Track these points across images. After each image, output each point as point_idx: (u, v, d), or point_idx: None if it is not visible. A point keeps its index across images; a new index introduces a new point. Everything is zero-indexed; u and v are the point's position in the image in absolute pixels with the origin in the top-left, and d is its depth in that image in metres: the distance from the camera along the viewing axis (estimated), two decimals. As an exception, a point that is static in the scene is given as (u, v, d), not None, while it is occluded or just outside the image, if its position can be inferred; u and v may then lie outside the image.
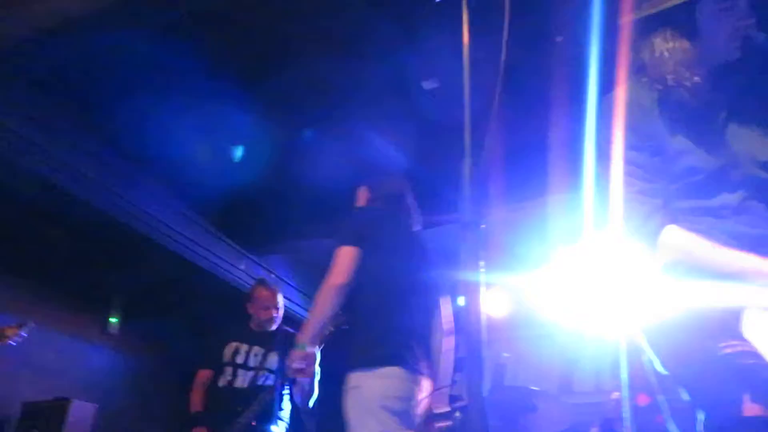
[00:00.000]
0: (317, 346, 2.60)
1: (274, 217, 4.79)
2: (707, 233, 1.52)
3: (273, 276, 5.53)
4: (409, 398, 2.32)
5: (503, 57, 1.23)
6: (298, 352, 2.43)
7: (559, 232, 4.00)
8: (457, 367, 6.17)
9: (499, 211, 4.23)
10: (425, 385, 2.44)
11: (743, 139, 1.59)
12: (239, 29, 3.27)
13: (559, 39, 3.49)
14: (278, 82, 3.57)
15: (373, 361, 2.31)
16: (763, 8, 1.61)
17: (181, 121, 3.71)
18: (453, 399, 4.98)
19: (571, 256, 4.42)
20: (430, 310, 2.62)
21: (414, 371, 2.36)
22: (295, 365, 2.44)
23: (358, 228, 2.56)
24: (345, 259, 2.43)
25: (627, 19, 1.63)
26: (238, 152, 4.07)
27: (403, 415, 2.28)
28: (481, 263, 1.09)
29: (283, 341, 3.54)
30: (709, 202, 1.56)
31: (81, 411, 4.28)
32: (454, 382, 6.18)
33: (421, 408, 2.40)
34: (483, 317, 1.02)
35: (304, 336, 2.43)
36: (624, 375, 2.66)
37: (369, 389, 2.27)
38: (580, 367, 5.45)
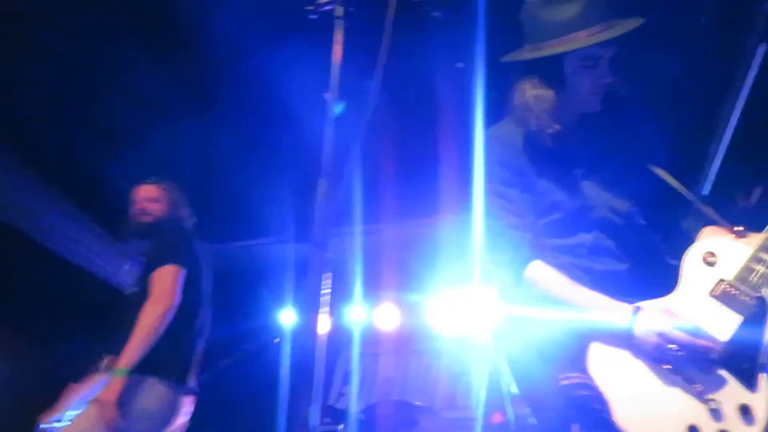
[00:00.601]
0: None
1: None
2: (566, 269, 1.64)
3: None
4: (173, 412, 2.41)
5: (377, 81, 1.25)
6: (118, 380, 2.27)
7: (450, 251, 4.11)
8: (345, 380, 6.15)
9: (393, 227, 4.29)
10: (188, 403, 2.53)
11: (600, 188, 1.73)
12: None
13: (460, 65, 3.62)
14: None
15: (152, 372, 2.37)
16: (626, 67, 1.76)
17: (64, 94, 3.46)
18: (335, 412, 4.96)
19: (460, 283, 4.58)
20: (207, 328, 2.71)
21: (186, 390, 2.47)
22: (108, 412, 2.23)
23: (178, 243, 2.56)
24: (172, 278, 2.41)
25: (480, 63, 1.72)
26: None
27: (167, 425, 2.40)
28: (325, 282, 1.09)
29: None
30: (567, 241, 1.69)
31: None
32: (341, 395, 6.16)
33: (180, 424, 2.49)
34: (321, 335, 1.02)
35: (127, 360, 2.30)
36: (482, 393, 2.77)
37: (145, 397, 2.33)
38: (464, 382, 5.61)
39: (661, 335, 1.46)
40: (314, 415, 1.01)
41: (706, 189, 3.86)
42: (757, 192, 3.36)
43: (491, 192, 1.71)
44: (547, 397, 1.53)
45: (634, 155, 1.82)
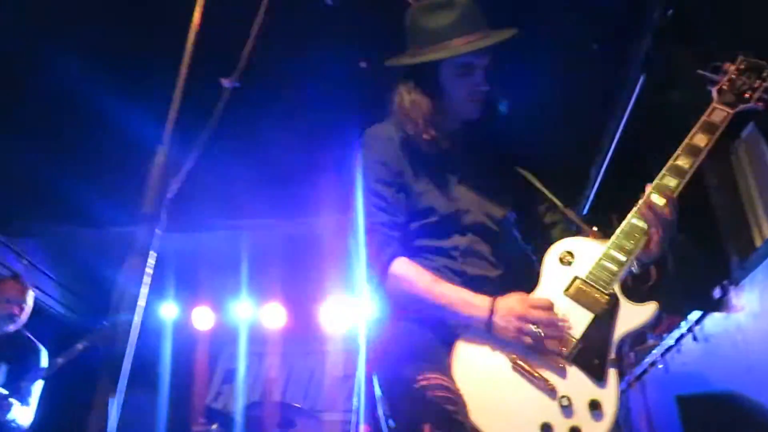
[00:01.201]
0: None
1: (33, 192, 4.16)
2: (439, 271, 1.63)
3: (25, 262, 4.84)
4: None
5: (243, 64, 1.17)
6: None
7: (338, 250, 4.06)
8: (226, 378, 5.93)
9: (283, 224, 4.19)
10: None
11: (476, 194, 1.75)
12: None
13: (363, 65, 3.58)
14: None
15: None
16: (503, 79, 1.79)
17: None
18: (211, 411, 4.75)
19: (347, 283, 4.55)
20: None
21: None
22: None
23: None
24: None
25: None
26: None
27: None
28: (150, 263, 0.99)
29: (18, 348, 3.32)
30: (442, 243, 1.69)
31: None
32: (219, 394, 5.93)
33: None
34: (135, 326, 0.93)
35: None
36: (360, 396, 2.73)
37: None
38: (349, 384, 5.58)
39: (520, 317, 1.48)
40: (113, 411, 0.90)
41: (585, 209, 4.07)
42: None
43: (367, 189, 1.70)
44: (403, 398, 1.50)
45: (513, 165, 1.85)
